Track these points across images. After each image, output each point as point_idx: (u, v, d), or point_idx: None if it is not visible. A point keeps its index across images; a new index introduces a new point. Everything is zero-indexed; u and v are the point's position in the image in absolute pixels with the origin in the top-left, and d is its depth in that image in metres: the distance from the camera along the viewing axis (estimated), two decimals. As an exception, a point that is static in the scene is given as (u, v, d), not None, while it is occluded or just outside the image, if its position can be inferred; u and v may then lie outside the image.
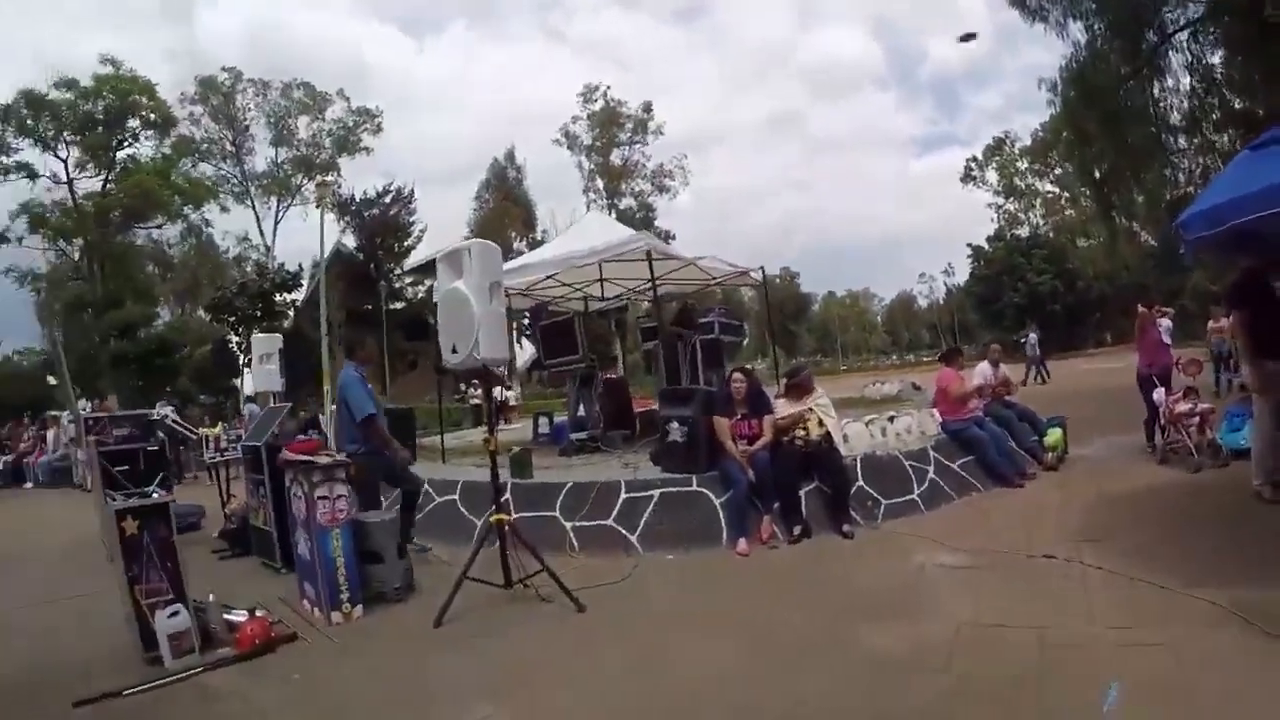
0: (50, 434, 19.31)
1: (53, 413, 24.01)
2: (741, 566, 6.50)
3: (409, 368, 36.28)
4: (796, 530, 7.03)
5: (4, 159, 35.84)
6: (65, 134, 36.49)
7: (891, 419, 9.18)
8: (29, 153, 36.37)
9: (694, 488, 7.32)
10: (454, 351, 5.63)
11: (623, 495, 7.41)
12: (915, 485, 8.05)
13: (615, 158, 53.16)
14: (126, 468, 7.90)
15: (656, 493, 7.35)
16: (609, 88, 53.73)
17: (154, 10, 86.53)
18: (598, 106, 53.02)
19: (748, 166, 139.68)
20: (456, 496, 8.48)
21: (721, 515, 7.15)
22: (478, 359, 5.49)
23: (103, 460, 5.89)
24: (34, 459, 19.19)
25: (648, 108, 53.60)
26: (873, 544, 6.84)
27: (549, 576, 5.71)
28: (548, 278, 10.66)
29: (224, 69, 44.17)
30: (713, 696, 3.99)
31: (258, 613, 5.54)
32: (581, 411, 11.15)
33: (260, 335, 12.31)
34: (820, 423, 7.62)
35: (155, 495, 5.53)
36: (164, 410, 12.00)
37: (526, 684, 4.38)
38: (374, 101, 47.81)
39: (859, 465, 7.87)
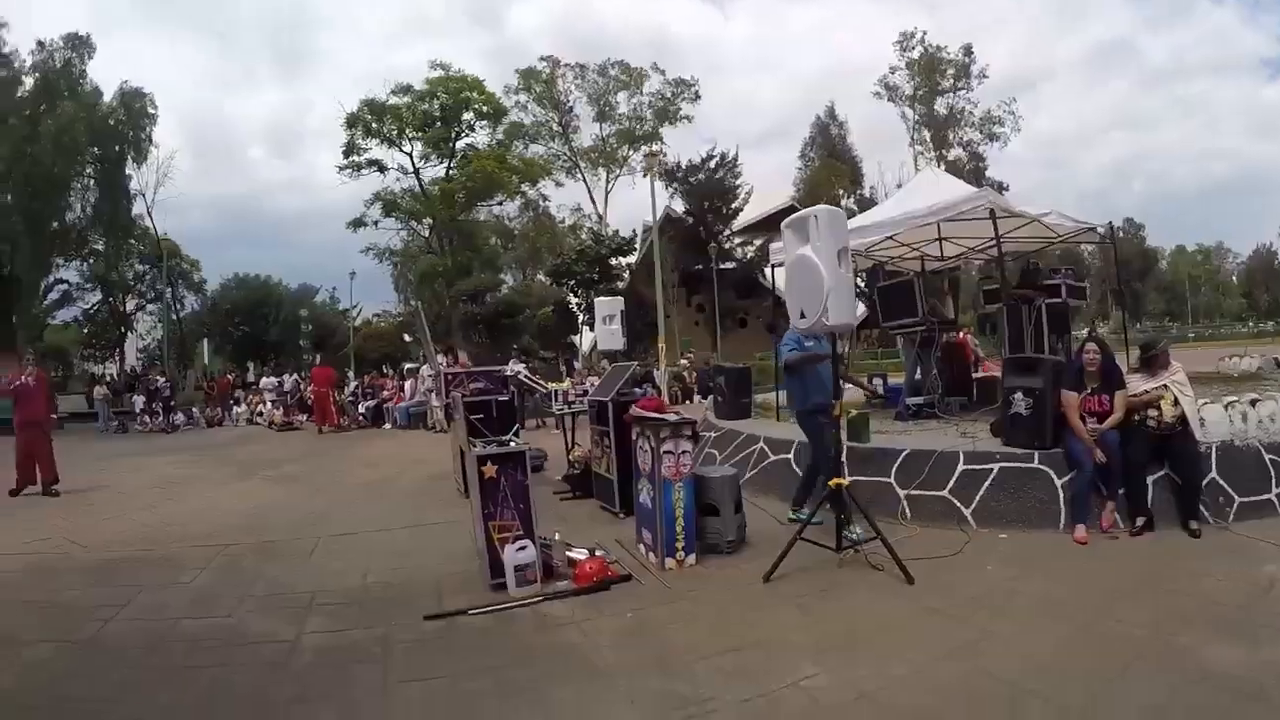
0: (408, 384, 22.22)
1: (409, 365, 27.54)
2: (1078, 555, 6.13)
3: (739, 325, 37.34)
4: (1140, 521, 6.46)
5: (357, 158, 42.43)
6: (407, 131, 41.84)
7: (1254, 403, 7.95)
8: (377, 151, 42.76)
9: (1035, 465, 6.95)
10: (802, 316, 5.73)
11: (960, 467, 7.20)
12: (1275, 484, 7.02)
13: (939, 106, 50.91)
14: (481, 416, 9.10)
15: (995, 467, 7.07)
16: (925, 33, 52.13)
17: (465, 19, 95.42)
18: (916, 54, 51.56)
19: (1075, 106, 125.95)
20: (791, 456, 8.70)
21: (1061, 497, 6.76)
22: (826, 325, 5.53)
23: (466, 411, 6.90)
24: (393, 404, 22.22)
25: (968, 50, 51.47)
26: (1222, 546, 6.14)
27: (882, 544, 5.71)
28: (886, 239, 10.53)
29: (541, 58, 48.04)
30: (1033, 690, 3.81)
31: (597, 552, 6.05)
32: (918, 376, 10.96)
33: (603, 298, 13.39)
34: (1176, 403, 6.85)
35: (513, 443, 6.23)
36: (516, 367, 13.42)
37: (849, 651, 4.41)
38: (686, 72, 49.05)
39: (1214, 454, 6.97)
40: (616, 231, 39.42)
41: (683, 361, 25.43)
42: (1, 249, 30.09)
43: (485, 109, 42.65)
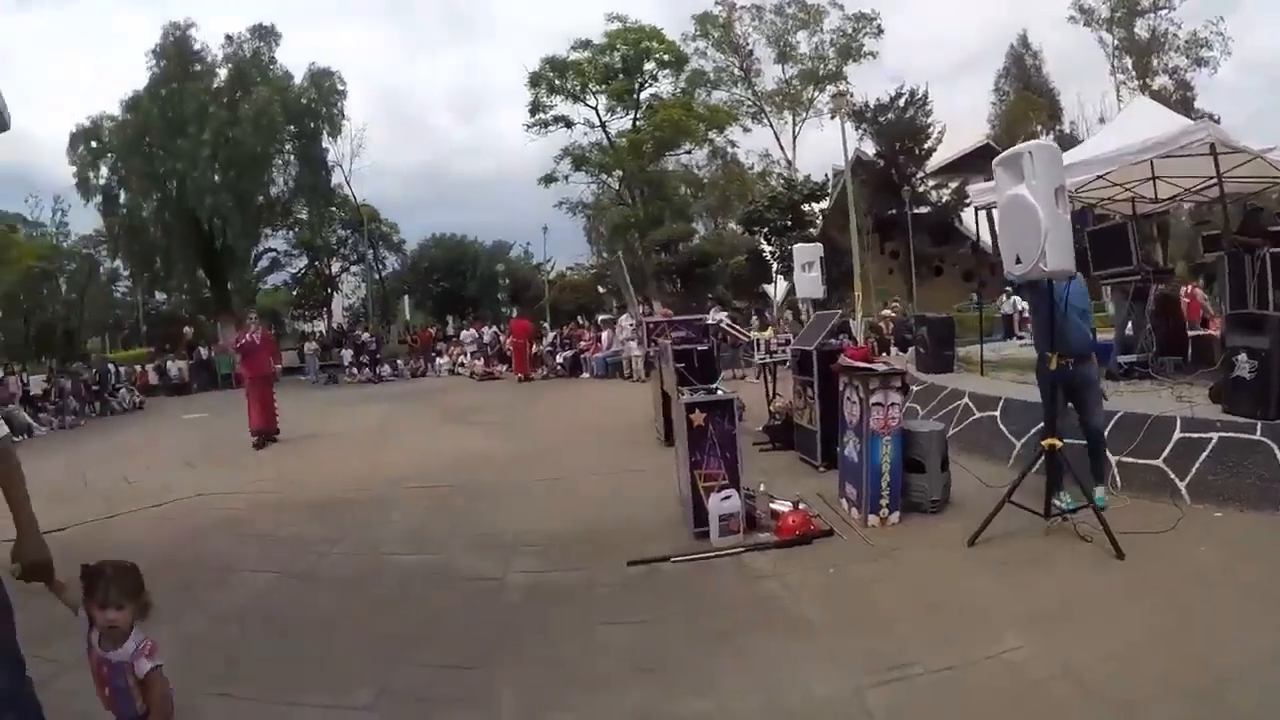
0: (605, 334, 22.68)
1: (604, 316, 28.10)
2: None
3: (934, 273, 35.90)
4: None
5: (543, 115, 42.92)
6: (590, 86, 41.94)
7: None
8: (562, 107, 43.08)
9: (1257, 436, 6.06)
10: (1018, 262, 5.33)
11: (1176, 434, 6.45)
12: None
13: (1140, 29, 46.21)
14: (683, 365, 9.15)
15: (1215, 436, 6.25)
16: (1121, -56, 46.54)
17: None
18: (1111, -32, 46.33)
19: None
20: (997, 413, 8.16)
21: (1287, 475, 5.90)
22: (1044, 270, 5.10)
23: (676, 360, 6.89)
24: (590, 354, 22.70)
25: (1167, -40, 45.59)
26: None
27: (1093, 514, 5.29)
28: (1096, 178, 9.70)
29: (717, 1, 46.81)
30: (1243, 684, 3.39)
31: (800, 505, 5.91)
32: (1129, 331, 10.04)
33: (802, 245, 13.08)
34: None
35: (720, 391, 6.19)
36: (718, 315, 13.38)
37: (1053, 625, 4.13)
38: (865, 5, 46.26)
39: None
40: (808, 177, 38.34)
41: (887, 311, 24.63)
42: (215, 223, 32.97)
43: (666, 58, 42.30)
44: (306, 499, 8.32)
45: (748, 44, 45.61)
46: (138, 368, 30.12)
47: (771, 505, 5.94)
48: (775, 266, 35.83)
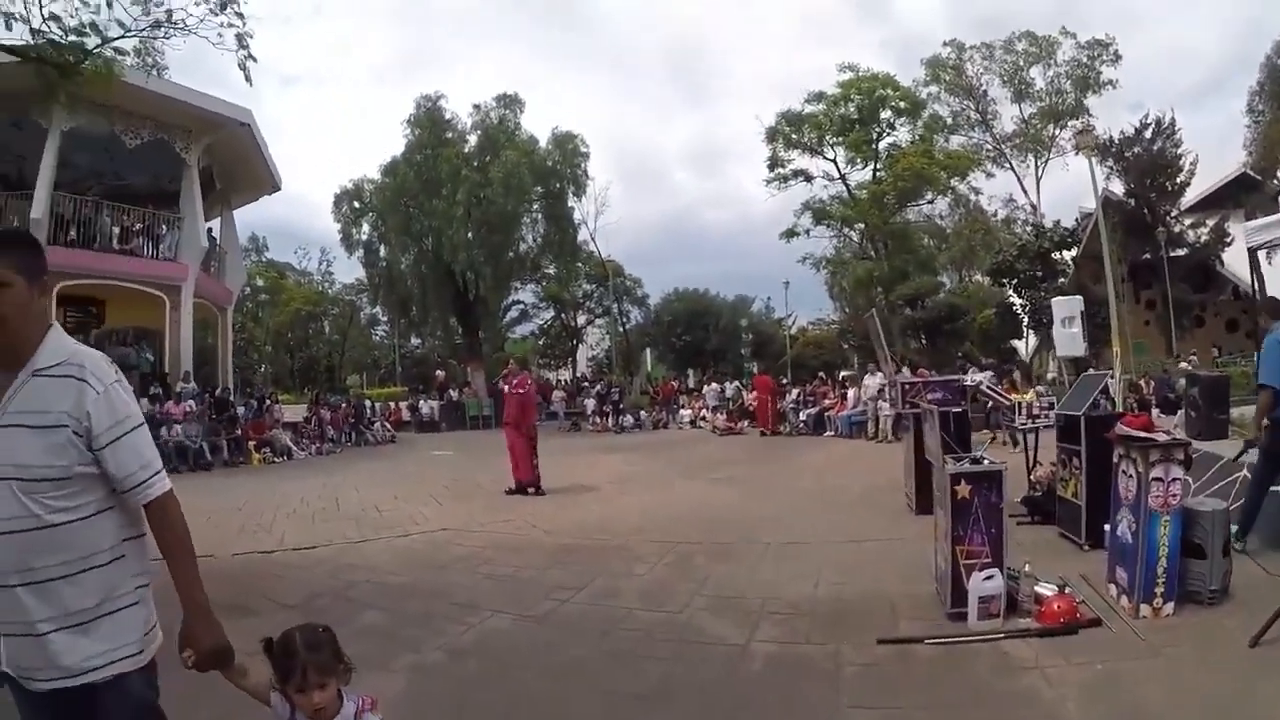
0: (850, 392, 22.08)
1: (847, 373, 27.51)
2: None
3: (1195, 323, 32.74)
4: None
5: (781, 170, 43.66)
6: (827, 138, 42.26)
7: None
8: (800, 160, 43.61)
9: None
10: None
11: None
12: None
13: None
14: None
15: None
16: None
17: (854, 15, 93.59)
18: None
19: None
20: (1283, 488, 7.23)
21: None
22: None
23: (941, 425, 6.53)
24: (835, 412, 22.20)
25: None
26: None
27: None
28: None
29: (945, 43, 45.09)
30: None
31: (1065, 589, 5.38)
32: None
33: (1061, 298, 12.33)
34: None
35: (987, 461, 5.78)
36: (977, 376, 12.64)
37: None
38: (1097, 31, 42.76)
39: None
40: (1058, 222, 35.85)
41: (1184, 364, 22.60)
42: (468, 276, 34.91)
43: (901, 105, 41.77)
44: (548, 543, 8.58)
45: (981, 85, 43.96)
46: (392, 404, 32.61)
47: (1036, 588, 5.43)
48: (1025, 320, 33.91)
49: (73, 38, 8.82)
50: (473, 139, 36.74)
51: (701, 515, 9.97)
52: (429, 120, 36.17)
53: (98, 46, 9.02)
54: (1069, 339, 11.31)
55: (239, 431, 19.91)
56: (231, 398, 22.77)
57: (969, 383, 9.93)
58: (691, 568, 7.22)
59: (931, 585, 5.93)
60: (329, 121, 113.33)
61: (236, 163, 24.97)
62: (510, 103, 37.18)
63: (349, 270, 50.29)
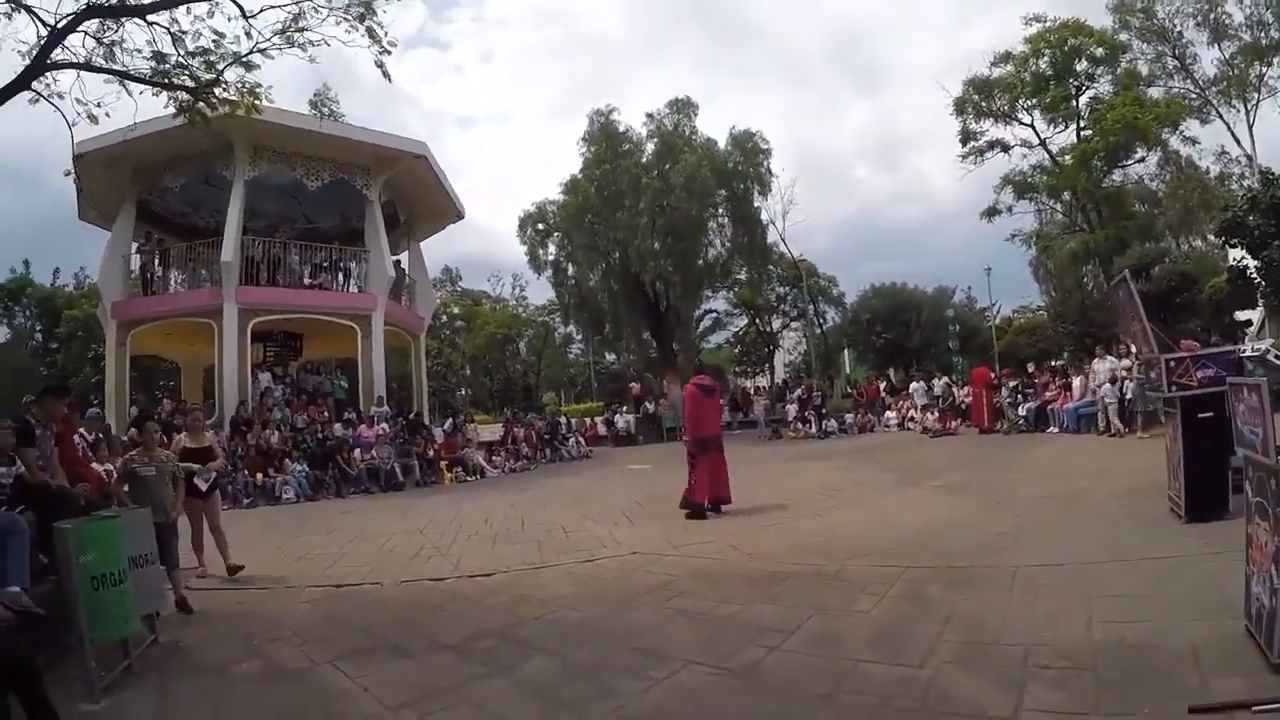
0: (1076, 381, 19.81)
1: (1057, 362, 24.94)
2: None
3: None
4: None
5: (975, 142, 40.03)
6: (1021, 101, 38.32)
7: None
8: (993, 131, 39.97)
9: None
10: None
11: None
12: None
13: None
14: (1210, 414, 7.09)
15: None
16: None
17: None
18: None
19: None
20: None
21: None
22: None
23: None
24: (1059, 405, 19.98)
25: None
26: None
27: None
28: None
29: None
30: None
31: None
32: None
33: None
34: None
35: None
36: (1259, 345, 10.42)
37: None
38: None
39: None
40: None
41: None
42: (658, 287, 35.17)
43: (1099, 52, 37.08)
44: (752, 570, 7.39)
45: (1175, 27, 39.22)
46: (588, 420, 32.37)
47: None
48: (1262, 286, 29.57)
49: (197, 60, 9.03)
50: (650, 147, 36.47)
51: (928, 531, 8.49)
52: (604, 134, 36.23)
53: (228, 64, 9.08)
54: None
55: (431, 452, 19.94)
56: (426, 420, 23.08)
57: (1249, 353, 8.00)
58: (927, 601, 5.88)
59: (1239, 622, 4.50)
60: (510, 154, 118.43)
61: (417, 195, 25.49)
62: (683, 107, 36.73)
63: (542, 292, 51.50)
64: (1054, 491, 10.44)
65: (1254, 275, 28.85)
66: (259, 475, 16.66)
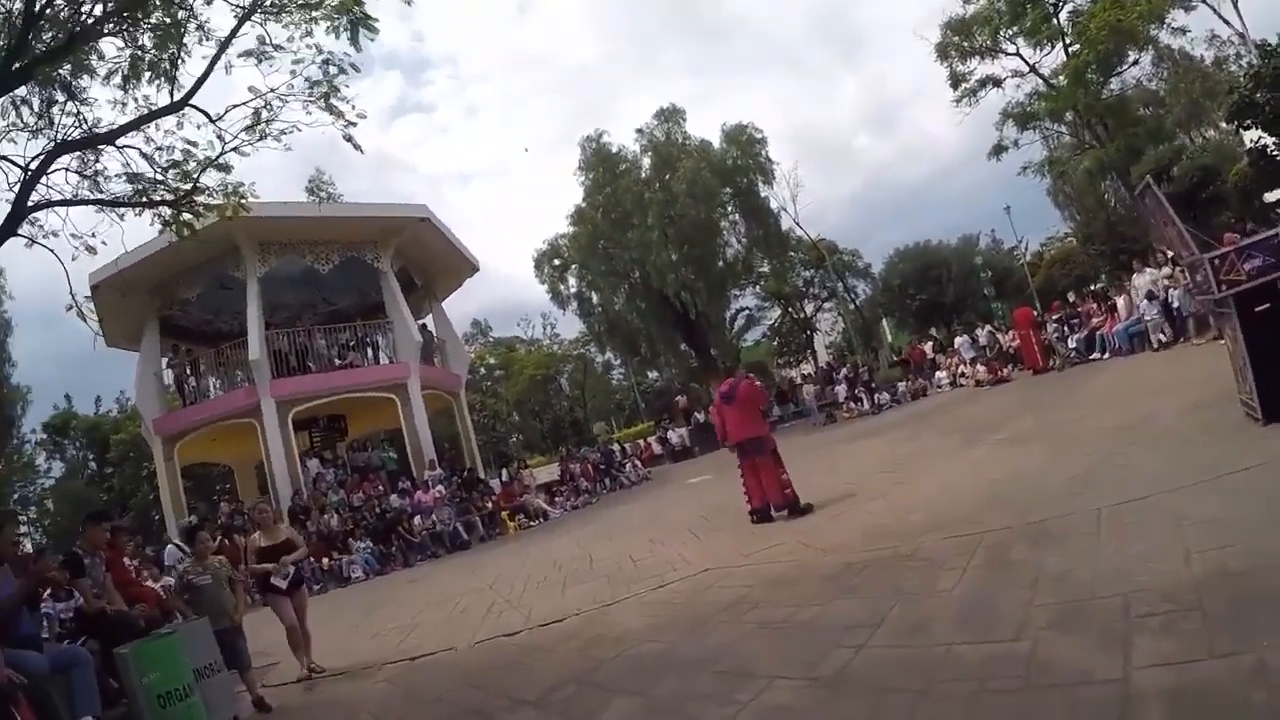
0: (1120, 300, 19.36)
1: (1095, 286, 24.32)
2: None
3: None
4: None
5: (966, 84, 39.32)
6: (1001, 33, 37.76)
7: None
8: (981, 68, 39.28)
9: None
10: None
11: None
12: None
13: None
14: (1267, 305, 6.73)
15: None
16: None
17: None
18: None
19: None
20: None
21: None
22: None
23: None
24: (1106, 330, 19.50)
25: None
26: None
27: None
28: None
29: None
30: None
31: None
32: None
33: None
34: None
35: None
36: None
37: None
38: None
39: None
40: None
41: None
42: (683, 297, 34.58)
43: None
44: (825, 565, 7.08)
45: None
46: (641, 442, 32.26)
47: None
48: None
49: (171, 174, 9.18)
50: (646, 161, 36.56)
51: (1000, 490, 8.04)
52: (598, 159, 36.42)
53: (201, 170, 9.20)
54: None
55: (490, 504, 19.85)
56: (481, 474, 23.05)
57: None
58: (1011, 566, 5.51)
59: None
60: (516, 199, 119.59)
61: (429, 257, 25.56)
62: (671, 115, 36.80)
63: (572, 325, 51.86)
64: (1121, 420, 10.00)
65: (1275, 152, 27.98)
66: (324, 560, 16.60)
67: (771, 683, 4.60)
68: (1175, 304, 16.81)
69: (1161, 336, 16.93)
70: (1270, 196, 31.21)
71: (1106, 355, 19.12)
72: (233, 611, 7.45)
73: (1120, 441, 8.76)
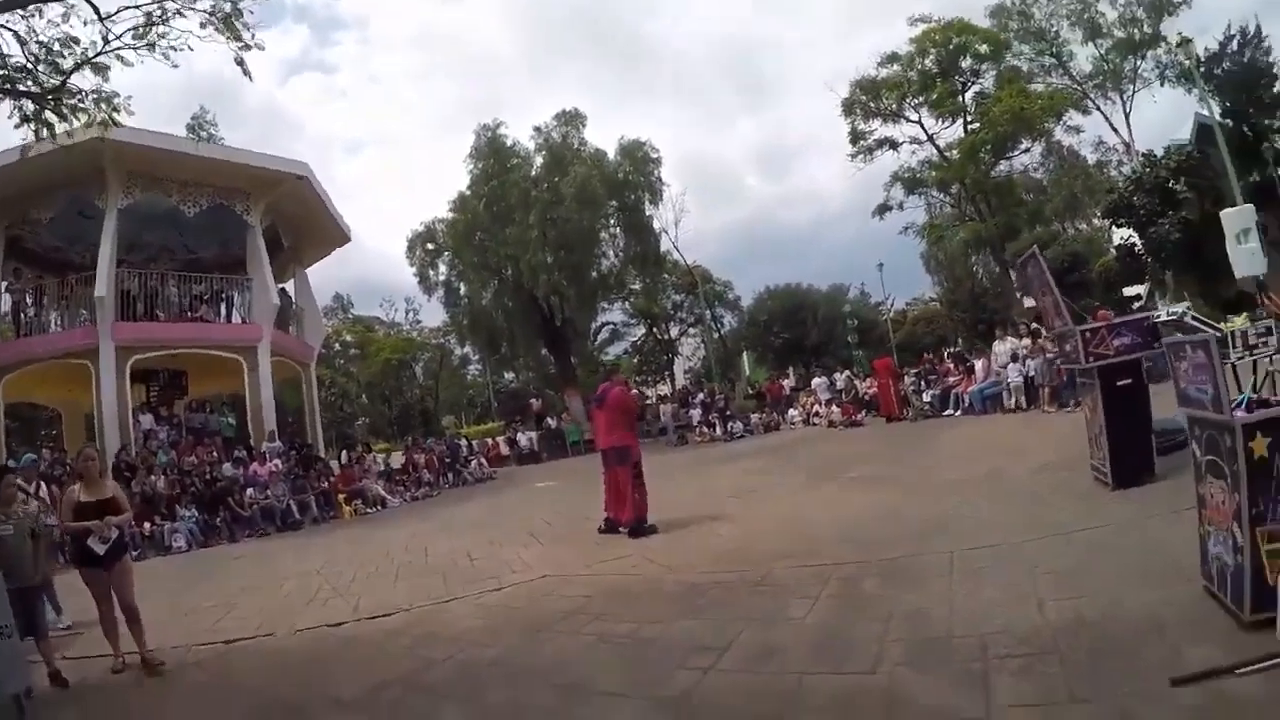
0: (979, 364, 20.07)
1: (952, 350, 25.37)
2: None
3: None
4: None
5: (864, 142, 41.07)
6: (908, 100, 39.62)
7: None
8: (882, 129, 41.09)
9: None
10: None
11: None
12: None
13: None
14: (1129, 380, 7.04)
15: None
16: None
17: None
18: None
19: None
20: None
21: None
22: None
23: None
24: (963, 388, 20.16)
25: None
26: None
27: None
28: None
29: None
30: None
31: None
32: None
33: (1231, 211, 10.64)
34: None
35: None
36: (1175, 309, 10.38)
37: None
38: None
39: None
40: (1169, 148, 32.57)
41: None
42: (552, 301, 34.38)
43: (983, 49, 38.86)
44: (672, 584, 6.90)
45: (1052, 27, 40.99)
46: (489, 440, 31.74)
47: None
48: (1150, 261, 30.95)
49: (43, 66, 8.29)
50: (538, 160, 35.96)
51: (852, 525, 8.11)
52: (491, 149, 35.57)
53: (75, 68, 8.34)
54: (1247, 256, 9.58)
55: (326, 485, 19.03)
56: (320, 452, 22.18)
57: (1164, 318, 7.93)
58: (865, 599, 5.48)
59: (1195, 585, 4.38)
60: (401, 177, 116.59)
61: (301, 219, 24.38)
62: (571, 119, 36.22)
63: (436, 314, 50.71)
64: (973, 473, 10.31)
65: (1141, 252, 30.05)
66: (146, 525, 15.30)
67: (612, 700, 4.40)
68: (1031, 373, 17.59)
69: (1023, 400, 17.64)
70: (1129, 290, 33.47)
71: (959, 412, 19.81)
72: (33, 570, 6.67)
73: (972, 492, 8.99)
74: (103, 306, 18.37)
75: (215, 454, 19.07)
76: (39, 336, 20.46)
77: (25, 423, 30.15)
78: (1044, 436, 11.81)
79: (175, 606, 9.40)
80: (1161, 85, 37.66)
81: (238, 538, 16.02)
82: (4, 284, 21.17)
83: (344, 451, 23.19)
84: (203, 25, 8.43)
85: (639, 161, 36.28)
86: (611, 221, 36.62)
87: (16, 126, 8.79)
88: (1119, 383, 7.51)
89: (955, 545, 6.42)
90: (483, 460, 26.41)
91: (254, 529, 16.40)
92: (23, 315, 21.02)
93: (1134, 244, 30.89)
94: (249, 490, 17.21)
